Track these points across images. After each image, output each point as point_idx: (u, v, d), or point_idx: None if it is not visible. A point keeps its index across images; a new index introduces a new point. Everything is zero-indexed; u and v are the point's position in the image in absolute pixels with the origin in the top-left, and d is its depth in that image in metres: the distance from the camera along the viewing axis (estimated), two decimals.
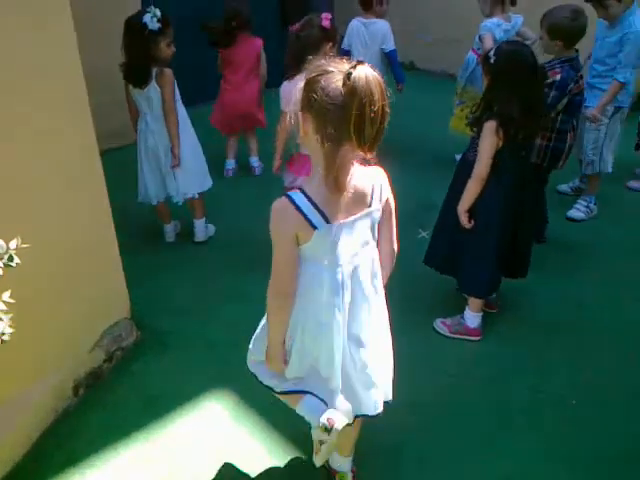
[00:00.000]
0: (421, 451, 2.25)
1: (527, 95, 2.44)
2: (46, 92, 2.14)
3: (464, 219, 2.63)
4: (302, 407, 1.91)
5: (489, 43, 3.82)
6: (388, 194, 1.72)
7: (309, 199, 1.56)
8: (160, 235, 3.68)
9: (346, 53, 4.18)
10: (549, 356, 2.74)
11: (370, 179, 1.65)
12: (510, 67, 2.49)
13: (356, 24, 4.26)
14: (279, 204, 1.59)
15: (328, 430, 1.82)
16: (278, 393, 1.93)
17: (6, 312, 1.18)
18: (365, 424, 2.01)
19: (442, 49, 6.04)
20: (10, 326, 1.22)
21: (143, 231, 3.73)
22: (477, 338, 2.83)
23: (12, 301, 1.24)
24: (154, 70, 3.14)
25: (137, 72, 3.15)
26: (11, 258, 1.17)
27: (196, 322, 2.96)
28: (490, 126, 2.46)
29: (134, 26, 3.04)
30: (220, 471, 2.18)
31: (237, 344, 2.82)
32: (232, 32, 4.00)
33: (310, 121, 1.51)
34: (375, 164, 1.65)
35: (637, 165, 4.49)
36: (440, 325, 2.88)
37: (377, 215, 1.70)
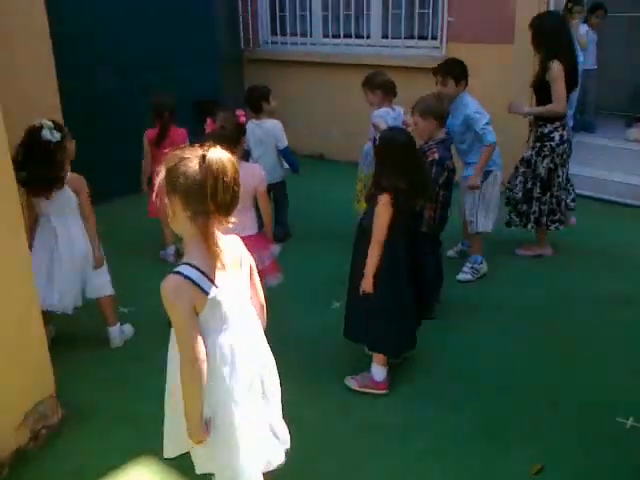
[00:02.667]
0: None
1: (408, 170, 2.86)
2: None
3: (369, 285, 2.90)
4: None
5: (383, 127, 4.32)
6: (249, 257, 2.00)
7: (197, 269, 1.76)
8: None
9: (247, 152, 4.63)
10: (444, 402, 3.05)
11: (235, 245, 1.93)
12: (388, 148, 2.96)
13: (251, 126, 4.72)
14: (171, 282, 1.74)
15: None
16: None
17: None
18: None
19: (346, 141, 6.71)
20: None
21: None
22: (384, 391, 3.07)
23: None
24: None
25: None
26: None
27: (119, 397, 3.09)
28: (384, 198, 2.85)
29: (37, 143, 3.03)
30: None
31: (157, 415, 2.94)
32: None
33: (177, 202, 1.73)
34: (228, 234, 1.88)
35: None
36: (350, 380, 3.12)
37: (247, 274, 1.97)
